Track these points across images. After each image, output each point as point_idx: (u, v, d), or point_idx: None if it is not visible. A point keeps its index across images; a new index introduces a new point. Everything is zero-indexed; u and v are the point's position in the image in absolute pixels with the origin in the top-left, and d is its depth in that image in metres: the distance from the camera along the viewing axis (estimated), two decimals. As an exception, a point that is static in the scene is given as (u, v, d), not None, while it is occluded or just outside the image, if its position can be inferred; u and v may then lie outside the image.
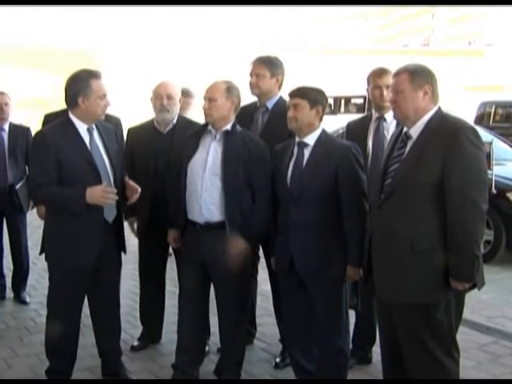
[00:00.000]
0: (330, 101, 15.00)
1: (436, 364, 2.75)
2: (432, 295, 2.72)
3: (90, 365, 3.81)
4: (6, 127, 5.09)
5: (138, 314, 4.39)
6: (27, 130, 5.21)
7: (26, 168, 4.95)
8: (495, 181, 6.07)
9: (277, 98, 3.88)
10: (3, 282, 5.36)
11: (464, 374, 3.03)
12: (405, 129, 2.86)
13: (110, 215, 3.39)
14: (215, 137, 3.45)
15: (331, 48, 32.40)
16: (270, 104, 3.88)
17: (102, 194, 3.17)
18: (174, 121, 4.03)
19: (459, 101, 18.02)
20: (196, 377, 3.62)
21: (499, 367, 3.90)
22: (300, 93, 3.23)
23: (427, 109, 2.78)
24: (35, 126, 4.92)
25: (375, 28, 63.04)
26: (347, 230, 3.17)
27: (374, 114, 3.78)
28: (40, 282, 5.53)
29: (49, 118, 4.38)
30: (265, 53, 4.02)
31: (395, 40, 53.75)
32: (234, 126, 3.46)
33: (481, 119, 12.89)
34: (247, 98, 3.77)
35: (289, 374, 3.66)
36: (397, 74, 2.84)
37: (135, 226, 4.17)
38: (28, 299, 5.22)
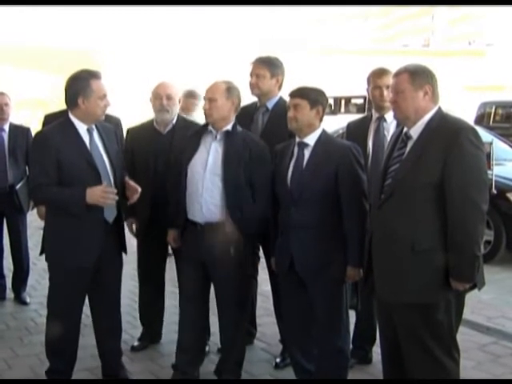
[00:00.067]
0: (330, 101, 14.99)
1: (436, 364, 2.75)
2: (432, 295, 2.72)
3: (90, 365, 3.81)
4: (6, 127, 5.09)
5: (137, 315, 4.39)
6: (27, 130, 5.21)
7: (26, 168, 4.95)
8: (495, 181, 6.06)
9: (277, 98, 3.89)
10: (3, 283, 5.36)
11: (464, 375, 3.03)
12: (405, 129, 2.87)
13: (110, 215, 3.39)
14: (216, 137, 3.45)
15: (331, 48, 32.39)
16: (270, 104, 3.88)
17: (102, 195, 3.17)
18: (174, 121, 4.04)
19: (459, 101, 18.01)
20: (196, 377, 3.63)
21: (499, 367, 3.90)
22: (300, 93, 3.23)
23: (427, 109, 2.78)
24: (35, 127, 4.92)
25: (375, 28, 63.00)
26: (347, 230, 3.17)
27: (374, 115, 3.78)
28: (40, 283, 5.54)
29: (49, 119, 4.38)
30: (265, 53, 4.02)
31: (395, 40, 53.71)
32: (234, 127, 3.47)
33: (481, 119, 12.89)
34: (247, 98, 3.77)
35: (289, 374, 3.66)
36: (397, 75, 2.84)
37: (134, 226, 4.16)
38: (28, 300, 5.22)
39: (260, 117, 3.90)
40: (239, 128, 3.50)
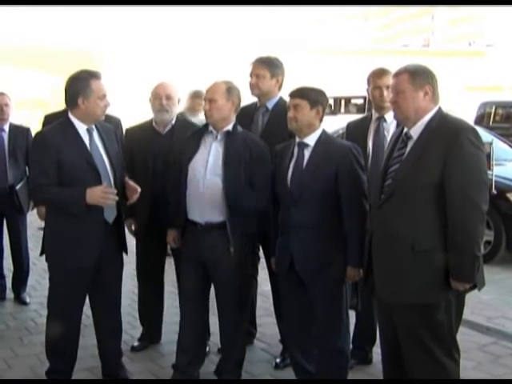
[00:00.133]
0: (330, 101, 14.99)
1: (436, 364, 2.75)
2: (432, 295, 2.72)
3: (91, 365, 3.81)
4: (6, 128, 5.09)
5: (138, 315, 4.39)
6: (27, 130, 5.21)
7: (26, 169, 4.95)
8: (495, 181, 6.06)
9: (277, 98, 3.89)
10: (3, 283, 5.36)
11: (464, 375, 3.03)
12: (405, 129, 2.86)
13: (110, 216, 3.39)
14: (216, 137, 3.45)
15: (331, 48, 32.35)
16: (270, 104, 3.88)
17: (102, 195, 3.17)
18: (173, 121, 4.03)
19: (459, 101, 18.01)
20: (196, 377, 3.62)
21: (499, 368, 3.90)
22: (300, 93, 3.23)
23: (428, 109, 2.78)
24: (35, 127, 4.93)
25: (375, 28, 63.05)
26: (347, 230, 3.17)
27: (374, 115, 3.78)
28: (40, 283, 5.54)
29: (49, 119, 4.38)
30: (265, 53, 4.02)
31: (395, 40, 53.72)
32: (234, 127, 3.47)
33: (481, 119, 12.89)
34: (247, 98, 3.77)
35: (289, 374, 3.66)
36: (397, 75, 2.84)
37: (132, 227, 4.16)
38: (28, 300, 5.22)
39: (260, 117, 3.90)
40: (239, 128, 3.50)
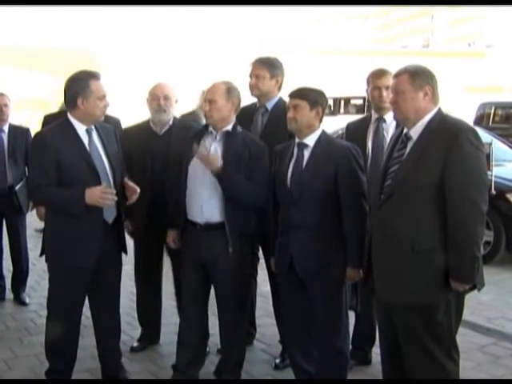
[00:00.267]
0: (330, 102, 14.99)
1: (436, 365, 2.75)
2: (432, 296, 2.72)
3: (90, 366, 3.81)
4: (6, 128, 5.09)
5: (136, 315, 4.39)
6: (27, 131, 5.21)
7: (26, 169, 4.94)
8: (495, 182, 6.05)
9: (276, 99, 3.88)
10: (3, 283, 5.35)
11: (464, 375, 3.02)
12: (405, 130, 2.86)
13: (109, 216, 3.39)
14: (216, 137, 3.45)
15: (331, 48, 32.38)
16: (269, 105, 3.88)
17: (101, 195, 3.17)
18: (170, 122, 4.03)
19: (459, 102, 18.01)
20: (196, 377, 3.62)
21: (499, 368, 3.90)
22: (300, 94, 3.23)
23: (427, 110, 2.78)
24: (35, 127, 4.93)
25: (375, 28, 63.08)
26: (347, 230, 3.17)
27: (374, 115, 3.78)
28: (40, 283, 5.54)
29: (48, 119, 4.38)
30: (265, 53, 4.03)
31: (395, 40, 53.78)
32: (234, 127, 3.47)
33: (480, 120, 12.90)
34: (247, 99, 3.77)
35: (288, 374, 3.66)
36: (397, 75, 2.84)
37: (129, 227, 4.15)
38: (28, 300, 5.22)
39: (259, 118, 3.90)
40: (239, 128, 3.50)
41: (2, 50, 23.12)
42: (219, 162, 3.31)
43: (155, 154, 3.94)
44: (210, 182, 3.36)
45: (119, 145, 3.59)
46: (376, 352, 3.64)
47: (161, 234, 3.79)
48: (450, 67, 24.54)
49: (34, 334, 4.44)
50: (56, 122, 3.43)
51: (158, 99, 3.96)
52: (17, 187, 5.00)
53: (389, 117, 3.65)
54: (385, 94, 3.61)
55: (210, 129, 3.48)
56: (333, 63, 27.23)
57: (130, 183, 3.44)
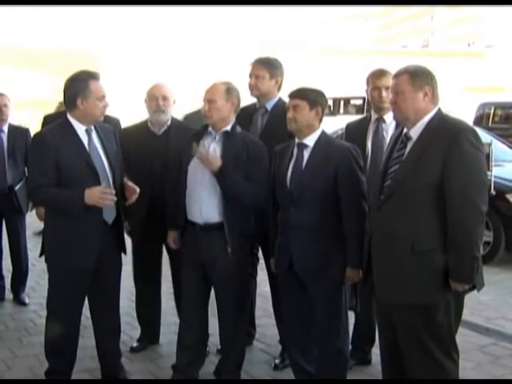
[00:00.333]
0: (329, 102, 14.99)
1: (435, 365, 2.75)
2: (432, 296, 2.72)
3: (90, 366, 3.81)
4: (6, 128, 5.10)
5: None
6: (26, 131, 5.21)
7: (26, 169, 4.94)
8: (494, 182, 6.04)
9: (276, 99, 3.88)
10: (2, 284, 5.36)
11: (463, 376, 3.02)
12: (405, 130, 2.87)
13: (109, 216, 3.39)
14: (215, 137, 3.45)
15: (331, 48, 32.38)
16: (269, 105, 3.88)
17: (101, 195, 3.17)
18: (169, 122, 4.03)
19: (459, 102, 18.01)
20: (196, 377, 3.62)
21: (499, 368, 3.90)
22: (300, 94, 3.23)
23: (427, 110, 2.78)
24: (35, 127, 4.93)
25: (375, 28, 63.05)
26: (346, 231, 3.17)
27: (373, 115, 3.78)
28: (39, 284, 5.54)
29: (48, 119, 4.38)
30: (265, 53, 4.03)
31: (395, 40, 53.77)
32: (233, 127, 3.47)
33: (480, 120, 12.90)
34: (247, 99, 3.77)
35: (288, 375, 3.66)
36: (397, 75, 2.84)
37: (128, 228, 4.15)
38: (27, 300, 5.22)
39: (259, 118, 3.90)
40: (239, 129, 3.50)
41: (2, 50, 23.11)
42: (219, 162, 3.31)
43: (154, 155, 3.93)
44: (209, 182, 3.36)
45: (119, 145, 3.59)
46: (376, 352, 3.64)
47: (160, 234, 3.79)
48: (449, 67, 24.54)
49: (33, 334, 4.44)
50: (56, 122, 3.43)
51: (156, 99, 3.96)
52: (16, 187, 5.00)
53: (388, 117, 3.65)
54: (384, 94, 3.61)
55: (210, 129, 3.48)
56: (333, 63, 27.22)
57: (130, 183, 3.44)
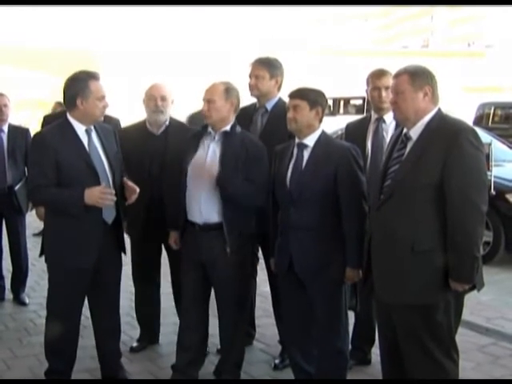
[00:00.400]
0: (329, 102, 14.98)
1: (435, 365, 2.75)
2: (432, 296, 2.72)
3: (90, 366, 3.81)
4: (6, 128, 5.10)
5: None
6: (26, 131, 5.21)
7: (26, 169, 4.94)
8: (494, 182, 6.03)
9: (276, 99, 3.88)
10: (2, 284, 5.36)
11: (463, 376, 3.02)
12: (405, 130, 2.87)
13: (109, 216, 3.39)
14: (214, 138, 3.45)
15: (331, 48, 32.38)
16: (269, 105, 3.88)
17: (101, 195, 3.17)
18: (167, 122, 4.03)
19: (459, 102, 18.01)
20: (196, 377, 3.63)
21: (499, 368, 3.91)
22: (300, 94, 3.23)
23: (427, 110, 2.78)
24: (35, 127, 4.93)
25: (375, 28, 63.04)
26: (346, 231, 3.17)
27: (373, 116, 3.78)
28: (39, 284, 5.54)
29: (48, 120, 4.38)
30: (265, 53, 4.02)
31: (395, 41, 53.76)
32: (233, 127, 3.46)
33: (480, 120, 12.90)
34: (246, 99, 3.77)
35: (288, 375, 3.66)
36: (397, 76, 2.84)
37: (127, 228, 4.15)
38: (27, 300, 5.22)
39: (259, 118, 3.90)
40: (238, 129, 3.50)
41: (2, 50, 23.13)
42: (215, 170, 3.30)
43: (152, 155, 3.93)
44: (208, 182, 3.35)
45: (118, 145, 3.59)
46: (376, 352, 3.64)
47: (158, 235, 3.78)
48: (449, 67, 24.54)
49: (33, 334, 4.44)
50: (55, 123, 3.43)
51: (154, 100, 3.96)
52: (16, 187, 5.00)
53: (388, 117, 3.65)
54: (384, 94, 3.61)
55: (209, 129, 3.48)
56: (333, 63, 27.22)
57: (130, 183, 3.44)
